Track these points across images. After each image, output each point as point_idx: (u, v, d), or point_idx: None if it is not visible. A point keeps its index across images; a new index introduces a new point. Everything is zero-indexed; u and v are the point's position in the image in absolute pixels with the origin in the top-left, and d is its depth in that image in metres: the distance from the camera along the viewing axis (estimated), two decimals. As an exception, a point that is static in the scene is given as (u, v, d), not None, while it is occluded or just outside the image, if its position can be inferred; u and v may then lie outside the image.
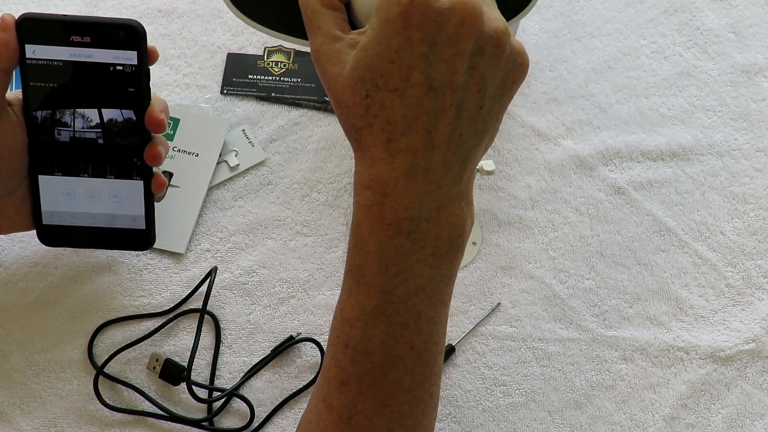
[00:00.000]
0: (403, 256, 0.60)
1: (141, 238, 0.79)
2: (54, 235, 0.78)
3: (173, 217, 0.84)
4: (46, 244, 0.79)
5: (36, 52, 0.72)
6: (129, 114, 0.74)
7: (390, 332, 0.61)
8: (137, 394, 0.81)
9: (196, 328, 0.81)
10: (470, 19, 0.57)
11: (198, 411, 0.81)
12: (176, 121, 0.86)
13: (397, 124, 0.58)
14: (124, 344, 0.81)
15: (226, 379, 0.82)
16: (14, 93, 0.74)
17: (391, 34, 0.57)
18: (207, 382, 0.81)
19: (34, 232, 0.78)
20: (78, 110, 0.74)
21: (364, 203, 0.60)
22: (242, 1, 0.72)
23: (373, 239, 0.60)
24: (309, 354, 0.82)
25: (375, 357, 0.61)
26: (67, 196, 0.77)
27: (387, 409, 0.62)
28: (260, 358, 0.82)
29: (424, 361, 0.62)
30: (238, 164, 0.86)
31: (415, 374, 0.62)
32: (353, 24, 0.65)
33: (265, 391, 0.82)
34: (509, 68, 0.61)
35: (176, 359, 0.81)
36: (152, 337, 0.82)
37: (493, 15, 0.59)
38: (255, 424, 0.81)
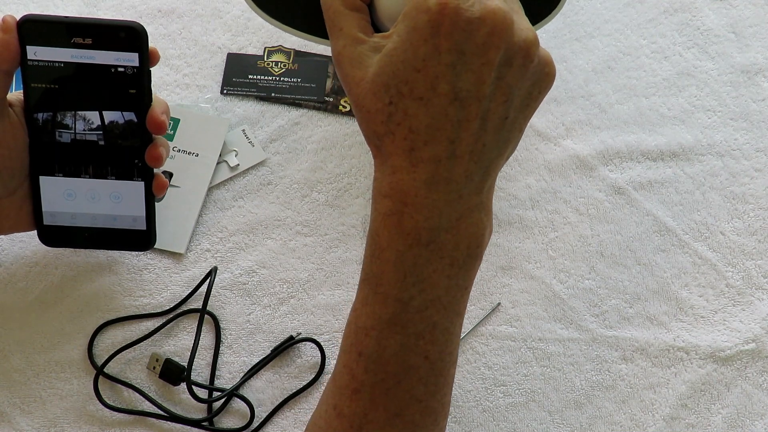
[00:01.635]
0: (421, 266, 0.59)
1: (141, 239, 0.79)
2: (54, 236, 0.78)
3: (173, 217, 0.84)
4: (46, 245, 0.79)
5: (37, 53, 0.71)
6: (130, 115, 0.74)
7: (405, 342, 0.60)
8: (137, 394, 0.81)
9: (196, 328, 0.81)
10: (500, 29, 0.57)
11: (198, 411, 0.81)
12: (176, 121, 0.86)
13: (421, 134, 0.58)
14: (124, 344, 0.81)
15: (226, 379, 0.82)
16: (15, 94, 0.74)
17: (419, 42, 0.57)
18: (207, 382, 0.81)
19: (35, 232, 0.78)
20: (79, 112, 0.74)
21: (383, 212, 0.60)
22: (264, 0, 0.72)
23: (392, 248, 0.60)
24: (309, 354, 0.82)
25: (389, 366, 0.61)
26: (68, 196, 0.77)
27: (399, 419, 0.62)
28: (260, 358, 0.82)
29: (437, 371, 0.62)
30: (238, 164, 0.86)
31: (428, 384, 0.62)
32: (375, 26, 0.65)
33: (265, 391, 0.82)
34: (536, 79, 0.60)
35: (176, 359, 0.81)
36: (152, 337, 0.82)
37: (522, 25, 0.59)
38: (255, 424, 0.81)
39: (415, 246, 0.59)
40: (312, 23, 0.72)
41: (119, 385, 0.81)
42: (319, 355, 0.82)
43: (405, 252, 0.59)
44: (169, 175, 0.85)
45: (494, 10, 0.56)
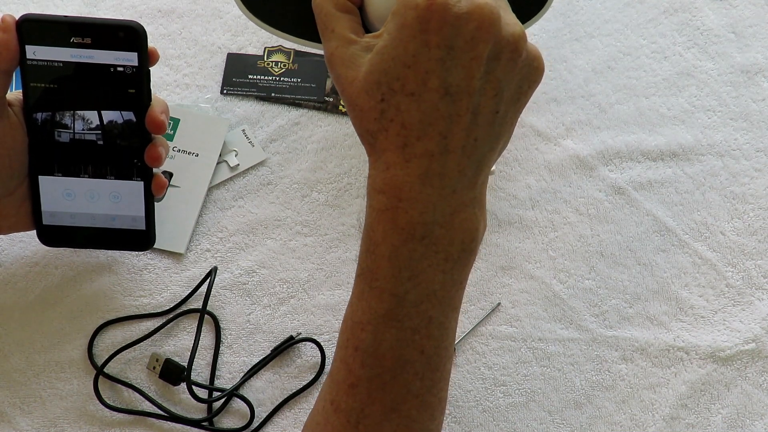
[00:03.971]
0: (415, 261, 0.60)
1: (141, 239, 0.79)
2: (54, 236, 0.78)
3: (173, 217, 0.84)
4: (46, 245, 0.79)
5: (36, 53, 0.72)
6: (129, 115, 0.74)
7: (401, 336, 0.61)
8: (137, 394, 0.81)
9: (196, 328, 0.81)
10: (488, 23, 0.57)
11: (198, 411, 0.81)
12: (176, 121, 0.86)
13: (413, 129, 0.58)
14: (124, 344, 0.81)
15: (226, 379, 0.82)
16: (14, 93, 0.74)
17: (408, 38, 0.57)
18: (207, 382, 0.81)
19: (34, 232, 0.78)
20: (78, 111, 0.74)
21: (378, 207, 0.60)
22: (254, 3, 0.72)
23: (386, 243, 0.60)
24: (309, 354, 0.82)
25: (385, 361, 0.61)
26: (68, 196, 0.77)
27: (395, 414, 0.62)
28: (260, 358, 0.82)
29: (433, 365, 0.62)
30: (238, 164, 0.86)
31: (424, 379, 0.62)
32: (366, 27, 0.65)
33: (265, 391, 0.82)
34: (525, 73, 0.61)
35: (176, 359, 0.81)
36: (152, 337, 0.82)
37: (510, 20, 0.59)
38: (255, 424, 0.81)
39: (410, 241, 0.59)
40: (305, 27, 0.72)
41: (119, 385, 0.81)
42: (319, 355, 0.82)
43: (400, 247, 0.59)
44: (169, 175, 0.85)
45: (481, 5, 0.57)
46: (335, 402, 0.63)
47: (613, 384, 0.82)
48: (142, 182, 0.77)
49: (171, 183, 0.85)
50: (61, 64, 0.72)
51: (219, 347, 0.82)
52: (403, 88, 0.58)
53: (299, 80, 0.89)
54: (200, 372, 0.82)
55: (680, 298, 0.84)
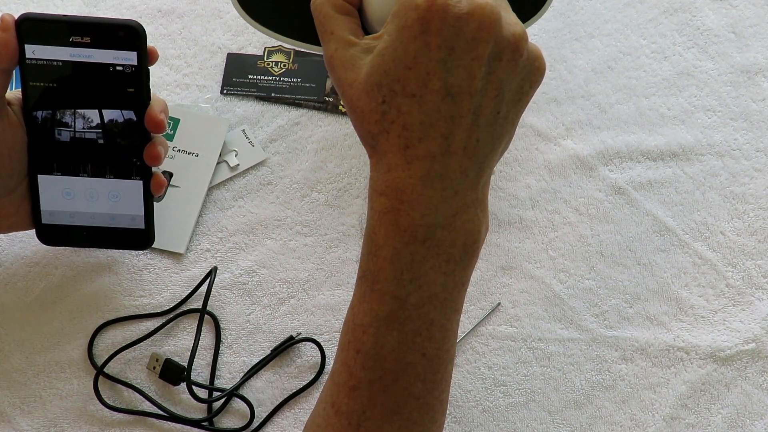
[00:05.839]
0: (417, 263, 0.59)
1: (140, 238, 0.79)
2: (53, 235, 0.78)
3: (173, 217, 0.84)
4: (45, 244, 0.79)
5: (36, 52, 0.72)
6: (129, 114, 0.74)
7: (402, 339, 0.60)
8: (137, 394, 0.81)
9: (196, 328, 0.81)
10: (489, 23, 0.57)
11: (198, 411, 0.81)
12: (176, 121, 0.86)
13: (414, 131, 0.58)
14: (124, 344, 0.81)
15: (226, 379, 0.82)
16: (14, 93, 0.74)
17: (409, 39, 0.57)
18: (207, 382, 0.81)
19: (34, 231, 0.78)
20: (78, 110, 0.74)
21: (380, 209, 0.60)
22: (253, 7, 0.72)
23: (388, 246, 0.60)
24: (309, 354, 0.82)
25: (386, 364, 0.61)
26: (67, 195, 0.77)
27: (396, 416, 0.62)
28: (260, 358, 0.82)
29: (435, 368, 0.62)
30: (238, 164, 0.86)
31: (425, 381, 0.62)
32: (365, 29, 0.65)
33: (265, 391, 0.82)
34: (526, 73, 0.61)
35: (176, 359, 0.81)
36: (152, 337, 0.82)
37: (511, 19, 0.59)
38: (255, 424, 0.81)
39: (412, 243, 0.59)
40: (304, 30, 0.72)
41: (119, 385, 0.81)
42: (319, 355, 0.82)
43: (401, 249, 0.59)
44: (169, 175, 0.85)
45: (482, 5, 0.57)
46: (336, 404, 0.63)
47: (613, 384, 0.82)
48: (141, 181, 0.77)
49: (171, 183, 0.85)
50: (61, 63, 0.72)
51: (219, 347, 0.82)
52: (404, 90, 0.58)
53: (299, 80, 0.89)
54: (200, 372, 0.82)
55: (680, 298, 0.84)
